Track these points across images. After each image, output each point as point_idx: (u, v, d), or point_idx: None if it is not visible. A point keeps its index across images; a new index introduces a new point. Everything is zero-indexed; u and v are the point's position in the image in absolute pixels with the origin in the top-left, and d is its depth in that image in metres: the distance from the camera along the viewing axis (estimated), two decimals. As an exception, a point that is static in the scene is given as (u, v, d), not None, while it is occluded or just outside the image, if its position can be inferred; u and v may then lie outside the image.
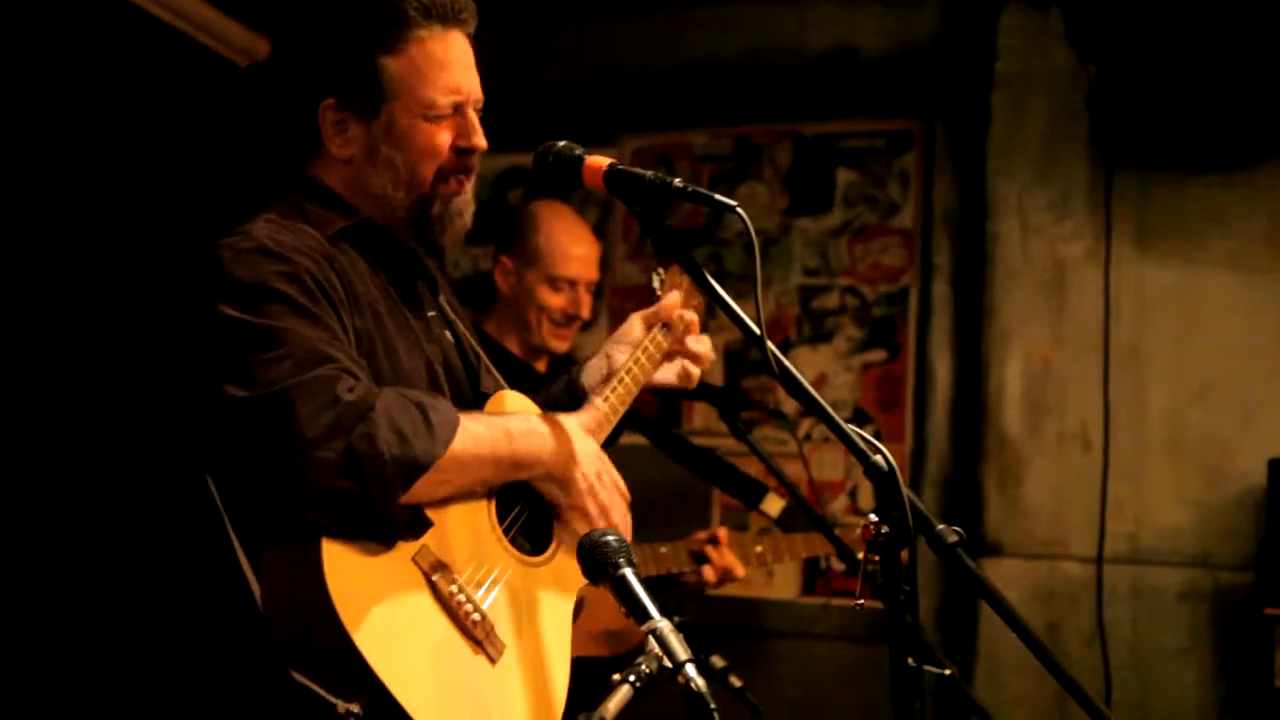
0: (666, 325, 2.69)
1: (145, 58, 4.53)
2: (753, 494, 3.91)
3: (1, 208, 3.99)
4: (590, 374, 2.66)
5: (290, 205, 2.37)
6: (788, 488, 3.62)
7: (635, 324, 2.68)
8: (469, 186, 2.45)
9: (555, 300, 3.72)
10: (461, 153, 2.41)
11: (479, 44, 2.50)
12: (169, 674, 4.11)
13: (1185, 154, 4.46)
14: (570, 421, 2.45)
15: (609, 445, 2.58)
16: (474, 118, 2.41)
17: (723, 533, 3.66)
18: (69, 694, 3.97)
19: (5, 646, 3.84)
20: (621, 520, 2.45)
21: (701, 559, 3.60)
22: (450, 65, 2.37)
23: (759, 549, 3.72)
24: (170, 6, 4.66)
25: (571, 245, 3.75)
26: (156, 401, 4.07)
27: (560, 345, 3.77)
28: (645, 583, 3.46)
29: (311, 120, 2.41)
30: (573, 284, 3.74)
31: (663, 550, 3.58)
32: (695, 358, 2.71)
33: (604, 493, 2.42)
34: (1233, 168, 4.44)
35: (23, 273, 4.05)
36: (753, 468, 3.98)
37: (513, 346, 3.75)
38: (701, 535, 3.66)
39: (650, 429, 4.04)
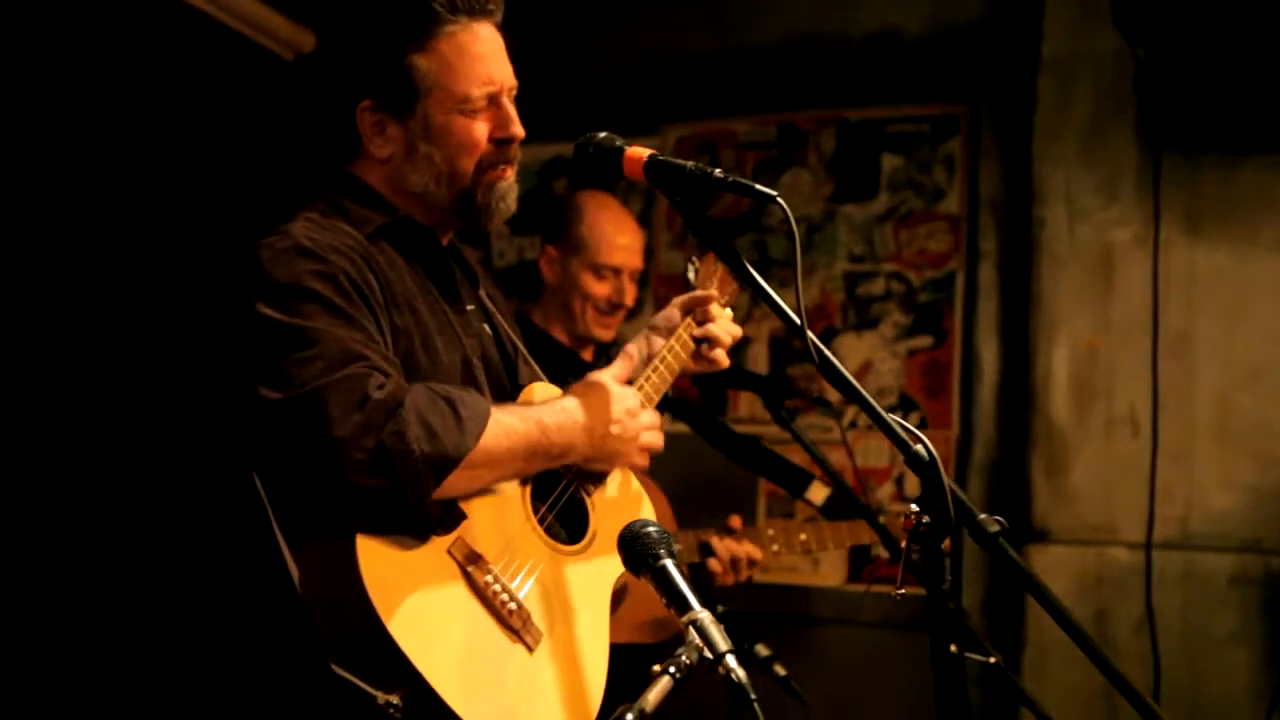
0: (690, 313, 2.70)
1: (186, 50, 4.56)
2: (798, 482, 3.92)
3: (48, 201, 4.03)
4: (629, 355, 2.66)
5: (330, 204, 2.39)
6: (831, 476, 3.61)
7: (673, 310, 2.70)
8: (511, 173, 2.47)
9: (600, 289, 3.74)
10: (500, 143, 2.43)
11: (521, 35, 2.51)
12: (212, 665, 4.15)
13: (1236, 136, 4.39)
14: (603, 376, 2.47)
15: None
16: (510, 107, 2.43)
17: (735, 521, 3.66)
18: (115, 674, 4.02)
19: (55, 626, 3.90)
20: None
21: (707, 551, 3.60)
22: (481, 57, 2.38)
23: (803, 536, 3.72)
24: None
25: (615, 234, 3.77)
26: (206, 395, 4.11)
27: (605, 334, 3.78)
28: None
29: (350, 121, 2.43)
30: (617, 272, 3.76)
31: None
32: (709, 340, 2.69)
33: (647, 436, 2.48)
34: (1285, 148, 4.38)
35: (74, 268, 4.09)
36: (797, 456, 3.97)
37: (559, 335, 3.78)
38: (710, 532, 3.67)
39: (694, 417, 4.05)
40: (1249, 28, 4.06)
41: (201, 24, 4.67)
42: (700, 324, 2.68)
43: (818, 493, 3.84)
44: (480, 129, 2.40)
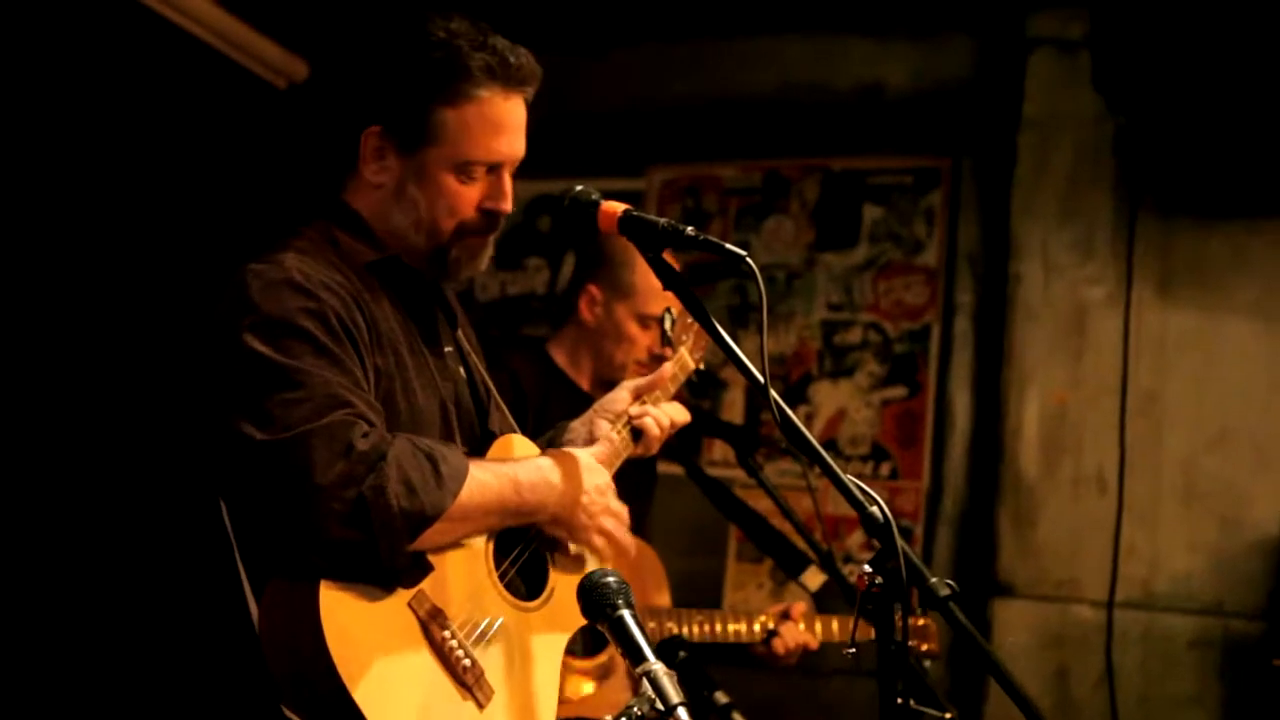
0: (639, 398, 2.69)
1: (179, 75, 4.60)
2: (795, 564, 3.91)
3: (35, 223, 4.06)
4: (573, 438, 2.67)
5: (321, 233, 2.40)
6: (810, 542, 3.62)
7: (623, 394, 2.69)
8: (491, 241, 2.47)
9: (644, 339, 3.63)
10: (488, 214, 2.43)
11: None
12: (162, 695, 4.14)
13: (1210, 199, 4.48)
14: (583, 455, 2.48)
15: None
16: (508, 181, 2.43)
17: (797, 609, 3.65)
18: (67, 701, 4.01)
19: (11, 646, 3.89)
20: (621, 546, 2.49)
21: (773, 633, 3.58)
22: (499, 130, 2.38)
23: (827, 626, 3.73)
24: (207, 24, 4.74)
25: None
26: (178, 417, 4.11)
27: None
28: (719, 649, 3.49)
29: (353, 142, 2.42)
30: (660, 322, 3.67)
31: (736, 626, 3.58)
32: (641, 430, 2.66)
33: (609, 522, 2.45)
34: (1258, 214, 4.44)
35: (54, 287, 4.11)
36: (764, 503, 3.99)
37: (581, 377, 3.68)
38: (776, 610, 3.65)
39: (701, 479, 4.00)
40: (1225, 97, 4.13)
41: (195, 50, 4.72)
42: (638, 415, 2.66)
43: (813, 579, 3.83)
44: (470, 195, 2.40)
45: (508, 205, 2.43)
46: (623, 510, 2.50)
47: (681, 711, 1.86)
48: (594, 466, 2.47)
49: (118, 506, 4.24)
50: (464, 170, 2.38)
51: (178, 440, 4.10)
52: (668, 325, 2.66)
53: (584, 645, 2.44)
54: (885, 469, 4.87)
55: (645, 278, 3.59)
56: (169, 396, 4.21)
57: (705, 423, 4.56)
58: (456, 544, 2.28)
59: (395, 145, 2.39)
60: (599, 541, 2.45)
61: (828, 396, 4.98)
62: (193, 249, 4.45)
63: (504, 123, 2.39)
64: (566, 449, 2.50)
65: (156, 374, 4.28)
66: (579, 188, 2.36)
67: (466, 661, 2.21)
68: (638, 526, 3.19)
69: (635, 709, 1.86)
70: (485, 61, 2.34)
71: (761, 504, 4.13)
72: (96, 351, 4.23)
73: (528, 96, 2.43)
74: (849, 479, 2.06)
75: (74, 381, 4.17)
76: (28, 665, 3.94)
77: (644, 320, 3.61)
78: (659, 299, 3.56)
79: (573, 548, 2.48)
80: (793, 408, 2.15)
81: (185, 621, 4.17)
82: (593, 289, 3.65)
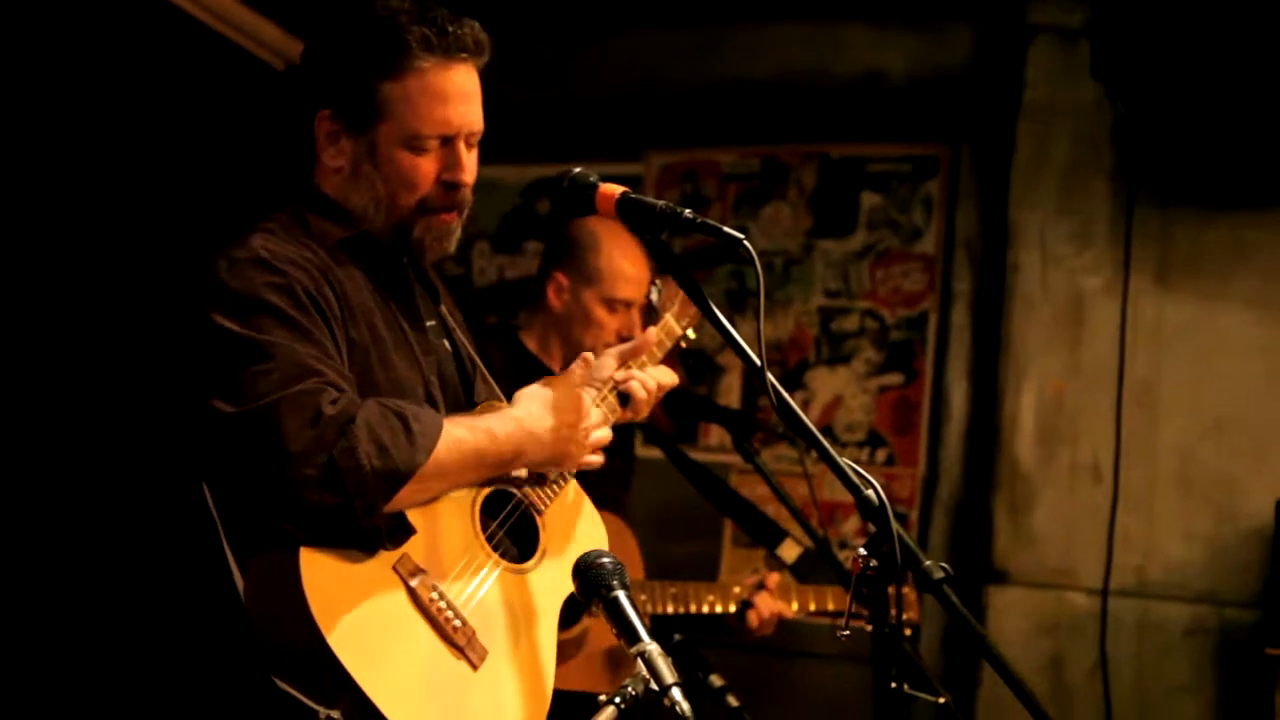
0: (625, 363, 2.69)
1: (177, 55, 4.58)
2: (770, 537, 3.92)
3: (14, 203, 4.03)
4: None
5: (292, 215, 2.42)
6: (799, 519, 3.63)
7: (609, 360, 2.67)
8: (456, 219, 2.46)
9: (612, 322, 3.64)
10: (447, 186, 2.42)
11: (507, 56, 2.52)
12: (153, 674, 4.14)
13: (1209, 189, 4.47)
14: (555, 379, 2.50)
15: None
16: (462, 151, 2.42)
17: (772, 579, 3.67)
18: (56, 686, 4.01)
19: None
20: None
21: (747, 604, 3.60)
22: (444, 99, 2.38)
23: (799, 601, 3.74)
24: (204, 4, 4.73)
25: (629, 267, 3.64)
26: (158, 402, 4.09)
27: None
28: (694, 621, 3.51)
29: (310, 128, 2.45)
30: (628, 306, 3.66)
31: (709, 596, 3.59)
32: (628, 395, 2.67)
33: (598, 434, 2.49)
34: (1258, 204, 4.44)
35: (31, 272, 4.08)
36: (761, 489, 4.00)
37: (554, 361, 3.69)
38: (750, 580, 3.67)
39: (681, 461, 4.02)
40: (1225, 87, 4.12)
41: (193, 30, 4.70)
42: (624, 379, 2.66)
43: (789, 550, 3.83)
44: (426, 168, 2.39)
45: (465, 176, 2.43)
46: (602, 417, 2.53)
47: (675, 691, 1.87)
48: (568, 392, 2.45)
49: (104, 496, 4.22)
50: (414, 144, 2.38)
51: (162, 427, 4.09)
52: (654, 296, 2.66)
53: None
54: (881, 455, 4.88)
55: (610, 263, 3.62)
56: (145, 383, 4.19)
57: (702, 407, 4.58)
58: (441, 506, 2.29)
59: (346, 126, 2.41)
60: (595, 460, 2.49)
61: (824, 383, 4.98)
62: (189, 234, 4.43)
63: (448, 92, 2.38)
64: (542, 381, 2.49)
65: (131, 360, 4.25)
66: (577, 170, 2.36)
67: (456, 622, 2.21)
68: (616, 511, 3.19)
69: (630, 688, 1.87)
70: (423, 33, 2.35)
71: (758, 490, 4.15)
72: (81, 338, 4.20)
73: (478, 63, 2.42)
74: (845, 462, 2.07)
75: (60, 373, 4.14)
76: (19, 652, 3.94)
77: (610, 304, 3.62)
78: (625, 283, 3.61)
79: (559, 504, 2.49)
80: (789, 394, 2.15)
81: (175, 603, 4.17)
82: (559, 276, 3.67)
